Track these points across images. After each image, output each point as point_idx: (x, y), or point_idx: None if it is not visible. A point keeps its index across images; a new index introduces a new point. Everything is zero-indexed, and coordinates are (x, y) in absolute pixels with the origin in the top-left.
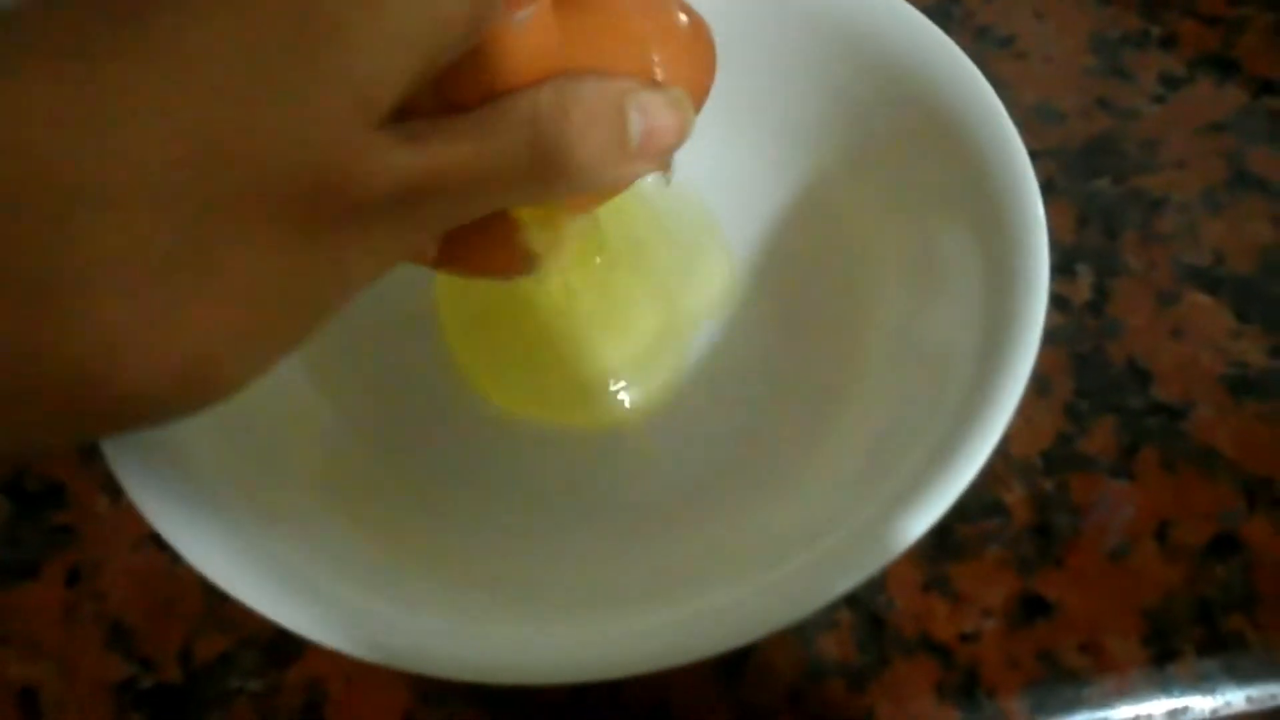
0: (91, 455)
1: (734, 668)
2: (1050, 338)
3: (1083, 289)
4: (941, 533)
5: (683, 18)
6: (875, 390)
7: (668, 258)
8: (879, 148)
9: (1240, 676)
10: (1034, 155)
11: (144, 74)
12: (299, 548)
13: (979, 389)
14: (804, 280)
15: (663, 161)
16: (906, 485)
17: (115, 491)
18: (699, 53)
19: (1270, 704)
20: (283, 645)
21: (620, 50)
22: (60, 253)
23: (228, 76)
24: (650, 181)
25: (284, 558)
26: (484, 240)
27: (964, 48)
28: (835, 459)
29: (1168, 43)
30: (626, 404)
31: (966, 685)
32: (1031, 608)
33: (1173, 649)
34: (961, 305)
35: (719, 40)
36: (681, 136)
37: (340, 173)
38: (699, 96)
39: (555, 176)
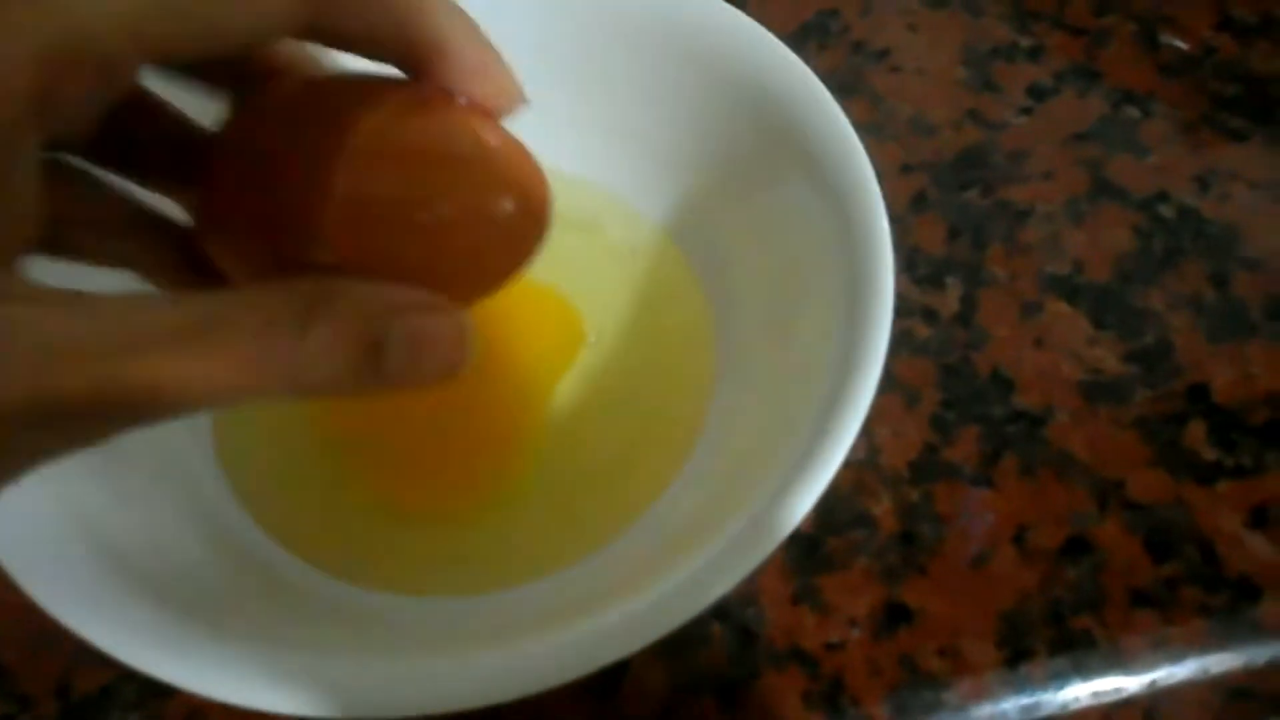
0: None
1: (608, 687)
2: (920, 349)
3: (951, 301)
4: (811, 545)
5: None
6: (737, 413)
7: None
8: (745, 172)
9: (1087, 673)
10: (908, 169)
11: None
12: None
13: (832, 406)
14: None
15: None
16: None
17: None
18: (525, 168)
19: (1115, 697)
20: None
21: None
22: None
23: None
24: None
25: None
26: None
27: (841, 61)
28: (697, 487)
29: (1035, 53)
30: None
31: (831, 694)
32: (895, 615)
33: (1026, 650)
34: (821, 322)
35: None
36: (456, 364)
37: None
38: (540, 210)
39: (281, 391)
